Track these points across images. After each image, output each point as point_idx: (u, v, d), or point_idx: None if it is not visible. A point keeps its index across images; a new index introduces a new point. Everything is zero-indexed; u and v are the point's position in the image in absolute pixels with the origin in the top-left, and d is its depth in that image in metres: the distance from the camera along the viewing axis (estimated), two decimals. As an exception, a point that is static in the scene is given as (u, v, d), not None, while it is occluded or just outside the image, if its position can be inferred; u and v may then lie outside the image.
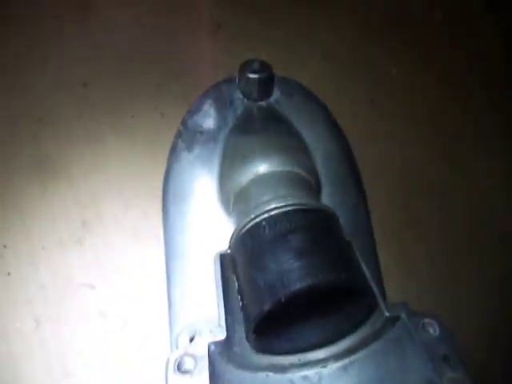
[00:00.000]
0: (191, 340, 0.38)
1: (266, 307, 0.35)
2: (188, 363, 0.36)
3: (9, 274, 0.53)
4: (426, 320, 0.39)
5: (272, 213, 0.40)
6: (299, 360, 0.42)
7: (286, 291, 0.35)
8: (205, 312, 0.45)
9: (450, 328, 0.38)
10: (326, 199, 0.53)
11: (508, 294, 0.61)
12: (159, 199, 0.53)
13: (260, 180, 0.45)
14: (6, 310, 0.51)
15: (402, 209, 0.61)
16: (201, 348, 0.37)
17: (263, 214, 0.40)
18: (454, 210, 0.63)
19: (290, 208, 0.40)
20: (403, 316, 0.39)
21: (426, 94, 0.72)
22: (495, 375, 0.58)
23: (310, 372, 0.42)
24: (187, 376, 0.35)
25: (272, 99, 0.56)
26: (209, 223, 0.51)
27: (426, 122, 0.70)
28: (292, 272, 0.35)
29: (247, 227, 0.41)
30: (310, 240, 0.37)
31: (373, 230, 0.54)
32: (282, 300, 0.35)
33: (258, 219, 0.40)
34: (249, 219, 0.41)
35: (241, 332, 0.40)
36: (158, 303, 0.50)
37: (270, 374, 0.41)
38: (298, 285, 0.35)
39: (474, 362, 0.55)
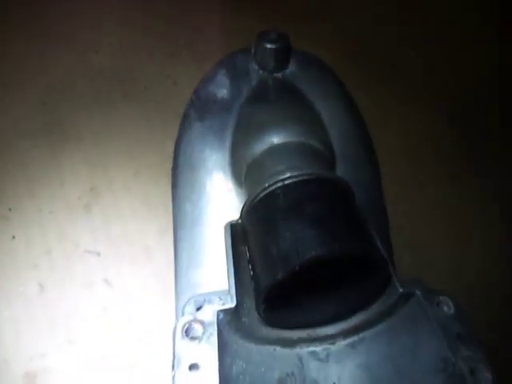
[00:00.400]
0: (198, 309, 0.37)
1: (280, 276, 0.34)
2: (197, 329, 0.35)
3: (13, 237, 0.52)
4: (442, 298, 0.38)
5: (287, 182, 0.39)
6: (308, 335, 0.41)
7: (300, 260, 0.33)
8: (213, 282, 0.45)
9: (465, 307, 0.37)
10: (340, 174, 0.52)
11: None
12: (170, 169, 0.52)
13: (274, 150, 0.44)
14: (9, 274, 0.50)
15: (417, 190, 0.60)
16: (210, 315, 0.36)
17: (277, 182, 0.39)
18: (469, 195, 0.61)
19: (305, 177, 0.39)
20: (418, 293, 0.38)
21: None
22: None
23: (318, 348, 0.40)
24: (195, 342, 0.34)
25: (288, 71, 0.54)
26: (219, 193, 0.50)
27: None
28: (307, 240, 0.34)
29: (261, 196, 0.40)
30: (325, 209, 0.36)
31: (386, 210, 0.53)
32: (297, 268, 0.34)
33: (272, 188, 0.39)
34: (262, 188, 0.40)
35: (250, 303, 0.39)
36: (165, 274, 0.49)
37: (278, 347, 0.40)
38: (313, 253, 0.33)
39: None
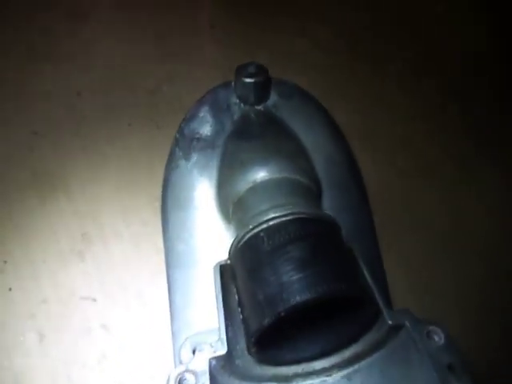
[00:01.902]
0: (194, 352, 0.38)
1: (266, 322, 0.35)
2: (189, 380, 0.36)
3: (10, 289, 0.53)
4: (431, 328, 0.38)
5: (270, 223, 0.39)
6: (303, 370, 0.41)
7: (285, 305, 0.34)
8: (207, 321, 0.45)
9: (454, 336, 0.37)
10: (328, 203, 0.52)
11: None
12: (159, 209, 0.53)
13: (258, 188, 0.45)
14: (8, 325, 0.51)
15: (405, 209, 0.60)
16: (202, 363, 0.36)
17: (261, 224, 0.40)
18: (459, 213, 0.62)
19: (288, 218, 0.40)
20: (407, 324, 0.38)
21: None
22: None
23: (314, 381, 0.41)
24: (189, 392, 0.35)
25: (269, 103, 0.55)
26: (209, 231, 0.51)
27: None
28: (291, 285, 0.35)
29: (245, 239, 0.40)
30: (309, 251, 0.37)
31: (375, 231, 0.54)
32: (282, 314, 0.34)
33: (256, 230, 0.40)
34: (247, 230, 0.40)
35: (243, 344, 0.39)
36: (161, 314, 0.50)
37: (274, 384, 0.41)
38: (297, 298, 0.34)
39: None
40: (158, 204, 0.53)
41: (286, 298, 0.35)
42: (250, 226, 0.40)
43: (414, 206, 0.61)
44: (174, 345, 0.49)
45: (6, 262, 0.53)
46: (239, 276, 0.41)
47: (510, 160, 0.68)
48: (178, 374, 0.36)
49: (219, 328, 0.39)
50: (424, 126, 0.68)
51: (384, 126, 0.65)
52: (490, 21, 0.80)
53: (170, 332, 0.48)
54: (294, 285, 0.35)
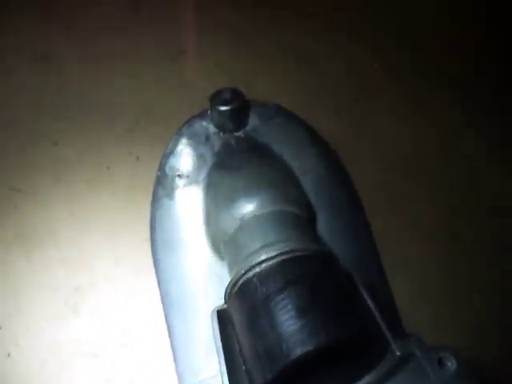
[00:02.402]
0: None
1: (269, 377, 0.33)
2: None
3: (9, 354, 0.51)
4: (442, 354, 0.37)
5: (262, 266, 0.38)
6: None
7: (286, 360, 0.32)
8: (211, 364, 0.44)
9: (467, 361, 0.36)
10: (322, 226, 0.50)
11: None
12: (149, 249, 0.51)
13: (247, 226, 0.43)
14: (11, 392, 0.50)
15: (403, 213, 0.58)
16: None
17: (253, 267, 0.38)
18: (457, 211, 0.60)
19: (282, 257, 0.38)
20: (417, 353, 0.37)
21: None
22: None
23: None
24: None
25: (249, 128, 0.52)
26: (202, 270, 0.48)
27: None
28: (291, 336, 0.33)
29: (238, 285, 0.38)
30: (305, 296, 0.35)
31: (376, 249, 0.52)
32: (284, 369, 0.33)
33: (248, 275, 0.38)
34: (239, 275, 0.38)
35: (247, 391, 0.38)
36: (164, 360, 0.48)
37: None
38: (298, 351, 0.32)
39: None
40: (147, 245, 0.51)
41: (286, 352, 0.33)
42: (242, 271, 0.39)
43: (411, 212, 0.59)
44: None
45: (1, 327, 0.52)
46: (237, 325, 0.39)
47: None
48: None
49: (221, 377, 0.38)
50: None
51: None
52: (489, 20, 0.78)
53: (176, 378, 0.47)
54: (293, 336, 0.33)
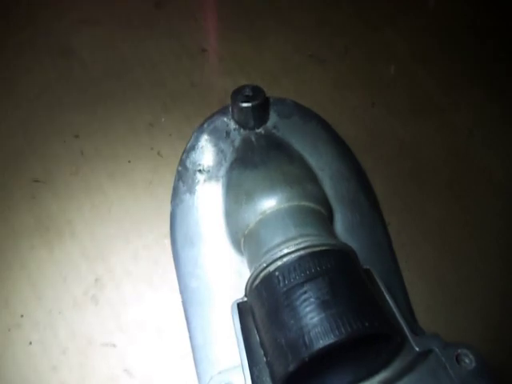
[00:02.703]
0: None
1: (291, 368, 0.34)
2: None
3: (30, 343, 0.52)
4: (460, 351, 0.37)
5: (284, 260, 0.38)
6: (334, 402, 0.41)
7: (309, 351, 0.33)
8: (230, 358, 0.44)
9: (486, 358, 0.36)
10: (340, 222, 0.51)
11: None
12: (168, 245, 0.52)
13: (267, 221, 0.43)
14: (31, 380, 0.50)
15: (420, 216, 0.59)
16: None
17: (275, 261, 0.39)
18: (473, 212, 0.60)
19: (302, 252, 0.38)
20: (435, 349, 0.37)
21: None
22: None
23: (345, 410, 0.40)
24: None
25: (269, 124, 0.53)
26: (222, 265, 0.49)
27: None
28: (313, 328, 0.33)
29: (260, 278, 0.39)
30: (327, 289, 0.35)
31: (392, 246, 0.52)
32: (306, 360, 0.33)
33: (270, 268, 0.38)
34: (261, 268, 0.39)
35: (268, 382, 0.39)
36: (183, 355, 0.49)
37: (306, 421, 0.40)
38: (320, 342, 0.33)
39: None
40: (167, 241, 0.52)
41: (309, 343, 0.33)
42: (264, 264, 0.39)
43: (427, 213, 0.59)
44: (199, 381, 0.49)
45: (22, 315, 0.53)
46: (258, 317, 0.39)
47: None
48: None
49: (243, 369, 0.38)
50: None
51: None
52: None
53: (194, 369, 0.47)
54: (315, 328, 0.34)
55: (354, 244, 0.49)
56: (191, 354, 0.48)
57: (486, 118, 0.68)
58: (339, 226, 0.51)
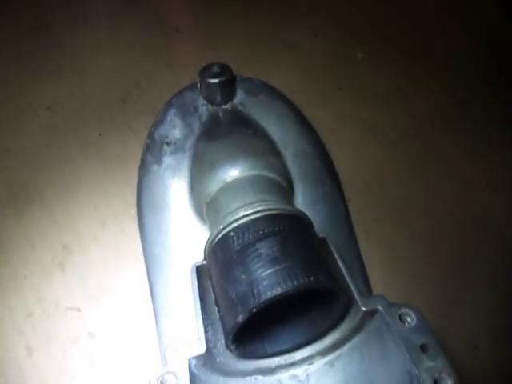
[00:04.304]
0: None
1: (239, 319, 0.35)
2: (169, 381, 0.37)
3: (-5, 308, 0.54)
4: (403, 310, 0.39)
5: (239, 222, 0.40)
6: (286, 360, 0.42)
7: (256, 301, 0.35)
8: (190, 320, 0.46)
9: (427, 316, 0.38)
10: (300, 197, 0.53)
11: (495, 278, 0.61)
12: (135, 214, 0.53)
13: (228, 188, 0.45)
14: (-1, 343, 0.52)
15: (380, 196, 0.61)
16: (182, 364, 0.37)
17: (231, 223, 0.40)
18: (431, 194, 0.63)
19: (257, 215, 0.40)
20: (380, 309, 0.39)
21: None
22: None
23: (297, 370, 0.42)
24: (170, 394, 0.36)
25: (236, 101, 0.55)
26: (185, 233, 0.51)
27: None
28: (262, 281, 0.35)
29: (217, 239, 0.41)
30: (277, 247, 0.37)
31: (351, 220, 0.55)
32: (254, 310, 0.35)
33: (226, 230, 0.40)
34: (218, 230, 0.41)
35: (223, 341, 0.41)
36: (145, 318, 0.51)
37: (259, 376, 0.41)
38: (268, 294, 0.35)
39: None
40: (134, 211, 0.53)
41: (257, 295, 0.35)
42: (221, 226, 0.41)
43: (388, 191, 0.62)
44: (160, 346, 0.50)
45: (-11, 281, 0.54)
46: (213, 276, 0.41)
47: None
48: (159, 377, 0.37)
49: (197, 328, 0.40)
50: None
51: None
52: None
53: (156, 333, 0.49)
54: (263, 281, 0.36)
55: (314, 217, 0.50)
56: (153, 318, 0.49)
57: (446, 105, 0.71)
58: (301, 199, 0.53)
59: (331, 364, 0.41)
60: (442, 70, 0.71)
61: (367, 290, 0.54)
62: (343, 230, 0.55)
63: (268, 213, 0.41)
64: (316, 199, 0.54)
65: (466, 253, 0.62)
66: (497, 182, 0.66)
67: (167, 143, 0.54)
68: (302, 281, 0.36)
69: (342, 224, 0.56)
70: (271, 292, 0.35)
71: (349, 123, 0.66)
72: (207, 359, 0.38)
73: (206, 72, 0.54)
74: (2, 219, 0.57)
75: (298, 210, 0.43)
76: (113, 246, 0.56)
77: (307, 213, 0.51)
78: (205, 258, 0.44)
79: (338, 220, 0.55)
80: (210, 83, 0.53)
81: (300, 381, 0.42)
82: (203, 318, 0.41)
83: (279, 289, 0.35)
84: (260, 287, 0.36)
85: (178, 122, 0.54)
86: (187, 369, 0.36)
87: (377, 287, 0.55)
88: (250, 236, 0.39)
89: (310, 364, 0.41)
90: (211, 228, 0.46)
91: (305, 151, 0.56)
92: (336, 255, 0.43)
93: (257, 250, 0.38)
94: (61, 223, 0.57)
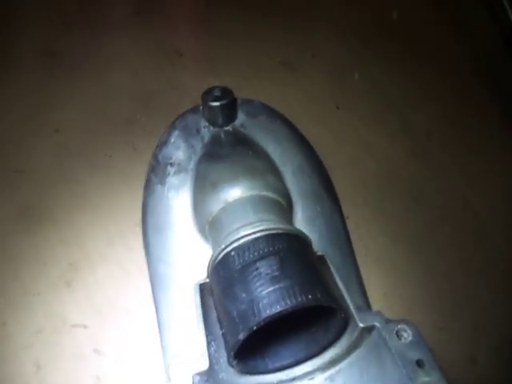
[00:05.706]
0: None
1: (241, 337, 0.37)
2: (174, 397, 0.38)
3: (5, 323, 0.55)
4: (400, 326, 0.40)
5: (240, 241, 0.42)
6: (287, 375, 0.43)
7: (257, 319, 0.36)
8: (193, 337, 0.47)
9: (423, 332, 0.39)
10: (300, 215, 0.54)
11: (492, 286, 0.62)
12: (140, 232, 0.55)
13: (229, 208, 0.47)
14: (8, 359, 0.53)
15: (379, 212, 0.63)
16: (185, 380, 0.39)
17: (232, 243, 0.42)
18: (429, 209, 0.64)
19: (258, 234, 0.42)
20: (377, 324, 0.41)
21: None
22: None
23: (298, 385, 0.43)
24: (173, 410, 0.37)
25: (237, 123, 0.57)
26: (188, 251, 0.53)
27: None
28: (261, 300, 0.37)
29: (219, 258, 0.42)
30: (277, 266, 0.39)
31: (349, 237, 0.56)
32: (255, 328, 0.36)
33: (227, 249, 0.42)
34: (219, 250, 0.43)
35: (225, 357, 0.42)
36: (150, 335, 0.52)
37: (259, 393, 0.43)
38: (267, 312, 0.36)
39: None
40: (139, 229, 0.55)
41: (257, 313, 0.37)
42: (223, 246, 0.43)
43: (386, 209, 0.63)
44: (164, 362, 0.51)
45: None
46: (215, 294, 0.43)
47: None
48: (163, 393, 0.38)
49: (201, 345, 0.41)
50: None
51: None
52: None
53: (160, 347, 0.50)
54: (263, 299, 0.37)
55: (313, 233, 0.53)
56: (158, 335, 0.51)
57: (444, 122, 0.72)
58: (300, 216, 0.55)
59: (332, 379, 0.43)
60: (439, 89, 0.73)
61: (366, 304, 0.56)
62: (342, 245, 0.57)
63: (268, 232, 0.42)
64: (315, 216, 0.55)
65: (465, 267, 0.64)
66: (494, 199, 0.68)
67: (171, 164, 0.56)
68: (300, 299, 0.37)
69: (341, 240, 0.57)
70: (271, 310, 0.37)
71: (347, 141, 0.68)
72: (210, 375, 0.39)
73: (207, 95, 0.56)
74: (13, 237, 0.59)
75: (297, 229, 0.45)
76: (119, 263, 0.58)
77: (306, 229, 0.53)
78: (208, 276, 0.46)
79: (336, 236, 0.57)
80: (212, 106, 0.55)
81: (301, 396, 0.43)
82: (206, 335, 0.42)
83: (278, 307, 0.37)
84: (260, 305, 0.37)
85: (181, 143, 0.56)
86: (190, 385, 0.38)
87: (376, 302, 0.57)
88: (251, 255, 0.41)
89: (310, 379, 0.43)
90: (213, 247, 0.48)
91: (302, 168, 0.57)
92: (334, 272, 0.45)
93: (257, 268, 0.40)
94: (69, 241, 0.59)
